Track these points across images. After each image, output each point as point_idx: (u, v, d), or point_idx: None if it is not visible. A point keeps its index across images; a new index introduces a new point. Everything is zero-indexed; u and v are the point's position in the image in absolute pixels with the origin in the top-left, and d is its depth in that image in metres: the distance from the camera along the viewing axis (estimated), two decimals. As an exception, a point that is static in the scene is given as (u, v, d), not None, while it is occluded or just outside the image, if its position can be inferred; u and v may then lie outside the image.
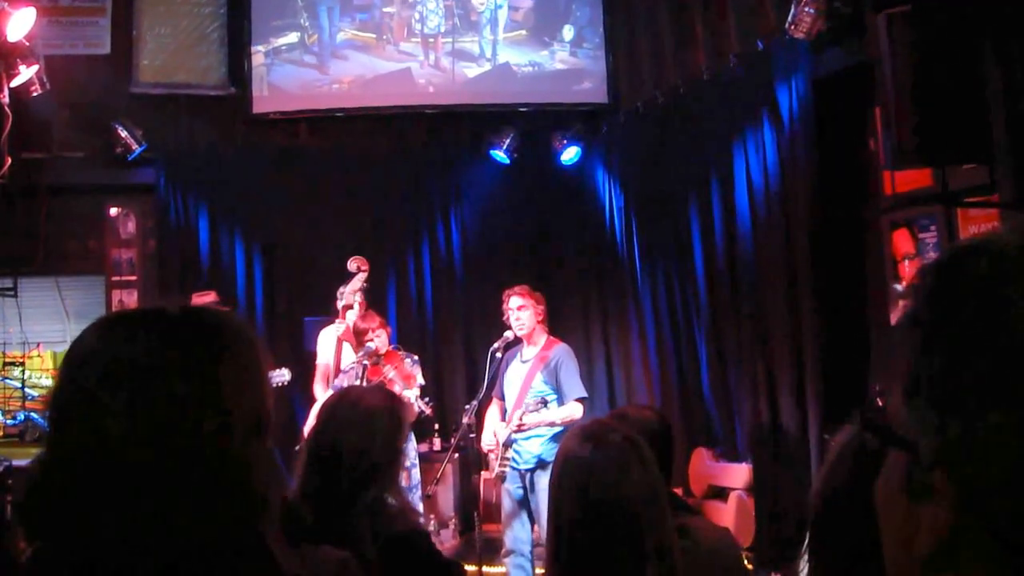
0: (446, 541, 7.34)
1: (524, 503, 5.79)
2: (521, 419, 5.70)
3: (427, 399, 6.37)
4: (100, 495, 1.06)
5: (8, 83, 6.50)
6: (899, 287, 5.93)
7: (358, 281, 6.41)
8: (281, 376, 6.58)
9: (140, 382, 1.09)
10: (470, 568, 5.53)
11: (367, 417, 2.68)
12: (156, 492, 1.06)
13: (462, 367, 8.53)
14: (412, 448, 6.26)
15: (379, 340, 6.15)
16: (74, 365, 1.14)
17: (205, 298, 6.97)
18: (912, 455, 0.72)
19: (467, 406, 6.04)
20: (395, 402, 2.99)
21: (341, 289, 6.41)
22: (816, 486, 1.24)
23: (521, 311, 5.91)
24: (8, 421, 8.23)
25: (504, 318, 6.02)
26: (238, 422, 1.12)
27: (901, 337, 0.75)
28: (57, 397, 1.14)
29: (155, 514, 1.06)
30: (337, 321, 6.39)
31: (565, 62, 8.83)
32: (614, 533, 2.02)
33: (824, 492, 1.21)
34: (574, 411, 5.72)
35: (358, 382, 5.78)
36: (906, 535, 0.74)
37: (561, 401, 5.79)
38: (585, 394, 5.88)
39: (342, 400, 2.82)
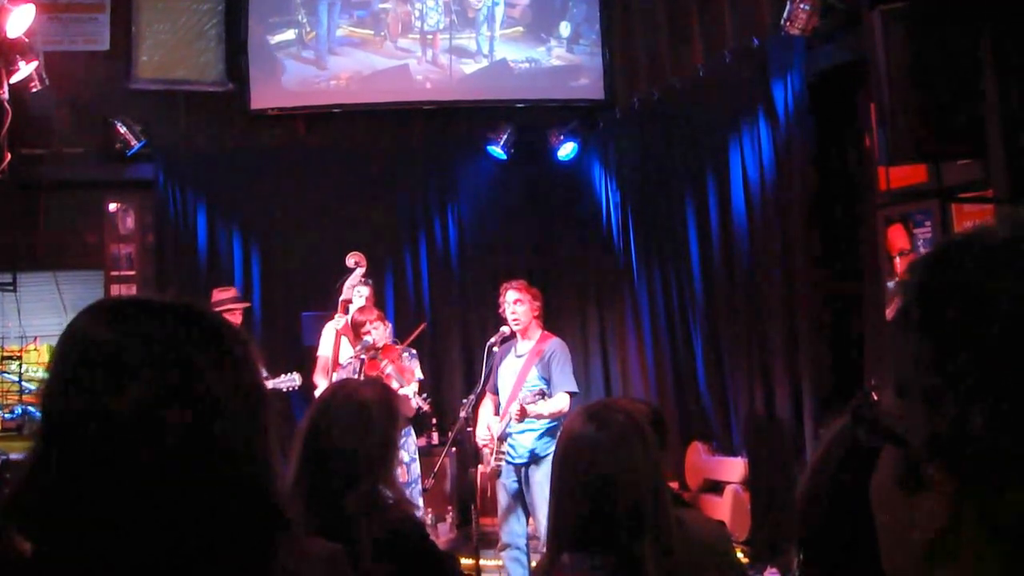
0: (444, 534, 7.36)
1: (519, 497, 5.77)
2: (522, 408, 5.60)
3: (424, 395, 6.38)
4: (96, 488, 1.03)
5: (8, 79, 6.51)
6: (893, 283, 5.95)
7: (356, 276, 6.47)
8: (292, 381, 6.57)
9: (137, 370, 1.06)
10: (467, 561, 5.55)
11: (361, 409, 2.67)
12: (153, 484, 1.04)
13: (460, 362, 8.54)
14: (412, 443, 6.28)
15: (376, 333, 6.15)
16: (70, 352, 1.10)
17: (225, 294, 7.01)
18: (903, 448, 0.73)
19: (464, 400, 6.05)
20: (389, 395, 2.99)
21: (339, 284, 6.47)
22: (805, 478, 1.22)
23: (517, 305, 5.89)
24: (6, 415, 8.25)
25: (500, 311, 6.03)
26: (235, 413, 1.10)
27: (892, 332, 0.75)
28: (51, 386, 1.09)
29: (152, 506, 1.04)
30: (336, 316, 6.44)
31: (562, 58, 8.84)
32: (614, 511, 2.05)
33: (813, 485, 1.20)
34: (562, 404, 5.67)
35: (356, 376, 5.80)
36: (903, 528, 0.74)
37: (551, 394, 5.74)
38: (575, 389, 5.83)
39: (336, 392, 2.81)
